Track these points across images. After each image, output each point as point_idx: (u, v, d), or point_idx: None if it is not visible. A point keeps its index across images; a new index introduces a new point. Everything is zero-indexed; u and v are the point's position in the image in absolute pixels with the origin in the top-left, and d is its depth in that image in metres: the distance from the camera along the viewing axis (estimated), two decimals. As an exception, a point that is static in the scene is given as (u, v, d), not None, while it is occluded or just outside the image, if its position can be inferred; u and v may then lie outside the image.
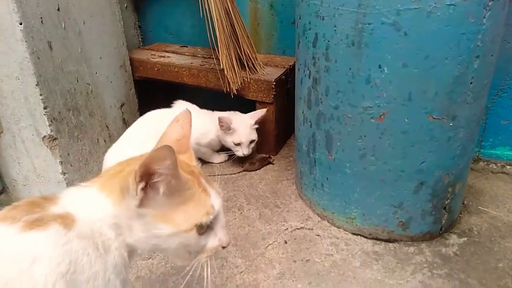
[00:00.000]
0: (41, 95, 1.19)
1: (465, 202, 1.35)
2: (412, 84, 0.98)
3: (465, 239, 1.22)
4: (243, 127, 1.53)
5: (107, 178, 0.58)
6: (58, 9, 1.24)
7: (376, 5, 0.92)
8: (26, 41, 1.12)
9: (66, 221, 0.52)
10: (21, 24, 1.10)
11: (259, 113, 1.58)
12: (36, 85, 1.18)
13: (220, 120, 1.51)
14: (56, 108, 1.26)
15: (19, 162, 1.32)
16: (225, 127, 1.52)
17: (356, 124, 1.08)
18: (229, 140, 1.54)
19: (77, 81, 1.35)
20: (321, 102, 1.14)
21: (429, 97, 0.99)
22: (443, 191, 1.14)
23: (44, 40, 1.19)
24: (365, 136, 1.08)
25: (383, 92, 1.00)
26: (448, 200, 1.17)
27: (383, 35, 0.94)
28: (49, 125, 1.23)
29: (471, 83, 0.98)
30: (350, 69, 1.02)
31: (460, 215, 1.30)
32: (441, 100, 0.99)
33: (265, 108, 1.61)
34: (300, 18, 1.14)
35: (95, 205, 0.56)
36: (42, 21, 1.17)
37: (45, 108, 1.21)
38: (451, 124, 1.03)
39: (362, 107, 1.05)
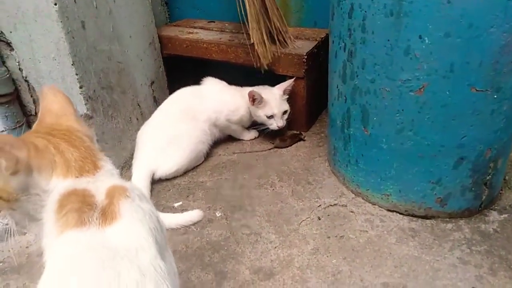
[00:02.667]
0: (76, 74, 1.22)
1: (507, 177, 1.30)
2: (455, 55, 0.93)
3: (506, 215, 1.18)
4: (273, 99, 1.51)
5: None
6: (90, -12, 1.25)
7: (418, -29, 0.87)
8: (61, 21, 1.14)
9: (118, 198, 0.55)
10: (55, 4, 1.11)
11: (287, 83, 1.56)
12: (72, 64, 1.20)
13: (250, 94, 1.49)
14: (91, 87, 1.28)
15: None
16: (256, 100, 1.50)
17: (394, 98, 1.04)
18: (262, 114, 1.53)
19: (109, 59, 1.37)
20: (357, 76, 1.10)
21: (473, 68, 0.94)
22: (484, 167, 1.10)
23: (77, 19, 1.20)
24: (403, 110, 1.05)
25: (423, 64, 0.96)
26: (489, 176, 1.13)
27: (424, 4, 0.89)
28: (85, 104, 1.26)
29: (519, 52, 0.92)
30: (388, 40, 0.98)
31: (501, 191, 1.25)
32: (485, 71, 0.94)
33: (297, 83, 1.58)
34: (334, -12, 1.10)
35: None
36: (75, 1, 1.18)
37: (80, 87, 1.24)
38: (495, 96, 0.98)
39: (400, 80, 1.01)
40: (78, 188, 0.56)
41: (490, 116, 1.00)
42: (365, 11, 0.99)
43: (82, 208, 0.53)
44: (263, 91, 1.53)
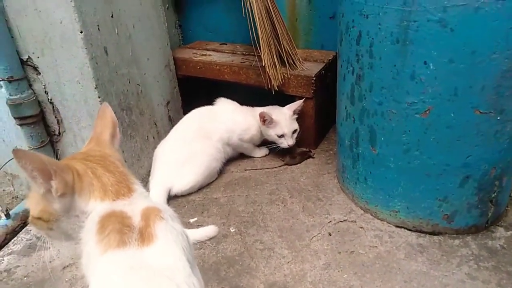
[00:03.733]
0: (99, 97, 1.29)
1: (512, 195, 1.34)
2: (458, 79, 0.98)
3: (512, 232, 1.21)
4: (283, 119, 1.58)
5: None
6: (112, 16, 1.33)
7: (422, 3, 0.93)
8: (86, 48, 1.21)
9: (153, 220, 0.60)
10: (81, 32, 1.19)
11: (297, 103, 1.63)
12: (95, 88, 1.27)
13: (261, 115, 1.56)
14: (112, 109, 1.34)
15: (79, 159, 1.43)
16: (267, 121, 1.57)
17: (400, 120, 1.10)
18: (273, 133, 1.59)
19: (129, 82, 1.44)
20: (365, 98, 1.16)
21: (476, 92, 0.99)
22: (489, 185, 1.14)
23: (100, 46, 1.28)
24: (409, 131, 1.10)
25: (428, 88, 1.01)
26: (495, 194, 1.17)
27: (429, 32, 0.95)
28: (107, 125, 1.32)
29: (519, 76, 0.98)
30: (394, 65, 1.04)
31: (507, 208, 1.29)
32: (488, 95, 0.99)
33: (306, 103, 1.64)
34: (343, 16, 1.17)
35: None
36: (98, 29, 1.26)
37: (102, 109, 1.31)
38: (498, 118, 1.02)
39: (407, 103, 1.06)
40: (116, 210, 0.61)
41: (494, 136, 1.05)
42: (373, 38, 1.06)
43: (122, 229, 0.57)
44: (274, 111, 1.59)
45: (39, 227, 0.66)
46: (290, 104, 1.63)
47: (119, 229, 0.57)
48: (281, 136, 1.59)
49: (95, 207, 0.62)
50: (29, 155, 0.57)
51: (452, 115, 1.02)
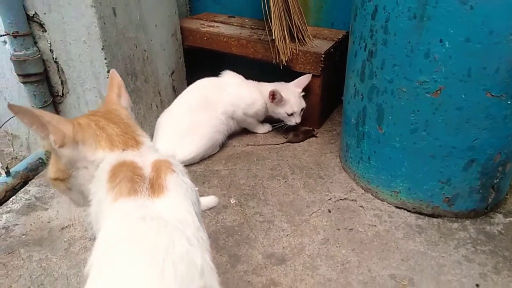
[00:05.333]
0: (105, 59, 1.26)
1: (513, 183, 1.34)
2: (473, 60, 0.97)
3: (511, 219, 1.22)
4: (293, 97, 1.57)
5: None
6: (122, -24, 1.29)
7: (444, -22, 0.91)
8: (94, 7, 1.18)
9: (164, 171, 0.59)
10: (90, -11, 1.16)
11: (304, 79, 1.61)
12: (102, 49, 1.24)
13: (271, 92, 1.54)
14: (118, 72, 1.32)
15: (81, 122, 1.41)
16: (277, 99, 1.55)
17: (410, 99, 1.09)
18: (282, 112, 1.59)
19: (136, 47, 1.42)
20: (376, 76, 1.15)
21: (489, 74, 0.98)
22: (493, 170, 1.14)
23: (109, 6, 1.25)
24: (418, 110, 1.09)
25: (441, 67, 1.00)
26: (497, 179, 1.17)
27: (447, 9, 0.93)
28: (111, 88, 1.30)
29: (535, 61, 0.97)
30: (409, 42, 1.02)
31: (506, 196, 1.29)
32: (501, 77, 0.98)
33: (313, 80, 1.62)
34: (359, -10, 1.14)
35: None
36: (108, -13, 1.23)
37: (108, 71, 1.29)
38: (509, 102, 1.02)
39: (418, 82, 1.05)
40: (127, 160, 0.60)
41: (503, 121, 1.04)
42: (389, 13, 1.04)
43: (133, 178, 0.57)
44: (283, 89, 1.58)
45: (59, 189, 0.68)
46: (297, 80, 1.62)
47: (130, 177, 0.57)
48: (291, 114, 1.58)
49: (104, 157, 0.62)
50: (23, 109, 0.58)
51: (463, 96, 1.02)
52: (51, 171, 0.66)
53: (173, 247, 0.50)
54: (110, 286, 0.47)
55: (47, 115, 0.59)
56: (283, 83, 1.65)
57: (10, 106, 0.57)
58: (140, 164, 0.60)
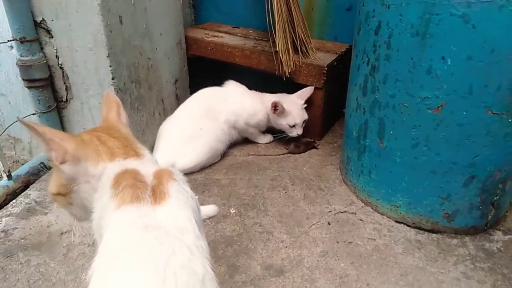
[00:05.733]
0: (110, 66, 1.27)
1: (513, 200, 1.35)
2: (475, 77, 0.98)
3: (510, 236, 1.22)
4: (295, 109, 1.58)
5: None
6: (129, -15, 1.31)
7: (447, -4, 0.92)
8: (101, 15, 1.20)
9: (166, 180, 0.60)
10: (98, -2, 1.18)
11: (307, 91, 1.62)
12: (107, 56, 1.26)
13: (273, 103, 1.55)
14: (122, 80, 1.34)
15: (84, 128, 1.42)
16: (278, 110, 1.56)
17: (411, 114, 1.09)
18: (284, 123, 1.60)
19: (141, 55, 1.43)
20: (378, 90, 1.16)
21: (491, 92, 0.99)
22: (493, 187, 1.14)
23: (116, 14, 1.26)
24: (419, 126, 1.10)
25: (443, 84, 1.01)
26: (497, 197, 1.17)
27: (450, 27, 0.95)
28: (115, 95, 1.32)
29: (536, 80, 0.98)
30: (411, 58, 1.04)
31: (506, 213, 1.29)
32: (502, 95, 0.99)
33: (315, 93, 1.63)
34: (363, 5, 1.16)
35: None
36: (116, -4, 1.25)
37: (113, 78, 1.30)
38: (510, 120, 1.02)
39: (420, 97, 1.06)
40: (129, 168, 0.61)
41: (503, 138, 1.05)
42: (392, 29, 1.05)
43: (136, 184, 0.57)
44: (286, 101, 1.59)
45: (60, 203, 0.69)
46: (300, 92, 1.63)
47: (133, 184, 0.57)
48: (293, 126, 1.59)
49: (105, 168, 0.62)
50: (28, 125, 0.59)
51: (464, 113, 1.02)
52: (52, 185, 0.67)
53: (174, 256, 0.50)
54: None
55: (50, 133, 0.61)
56: (285, 94, 1.67)
57: (21, 120, 0.60)
58: (143, 172, 0.61)
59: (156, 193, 0.58)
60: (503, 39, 0.92)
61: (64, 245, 1.17)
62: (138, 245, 0.51)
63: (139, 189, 0.57)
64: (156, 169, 0.63)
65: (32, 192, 1.38)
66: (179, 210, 0.57)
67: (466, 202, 1.16)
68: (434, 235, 1.22)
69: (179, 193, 0.59)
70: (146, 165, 0.64)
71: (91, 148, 0.64)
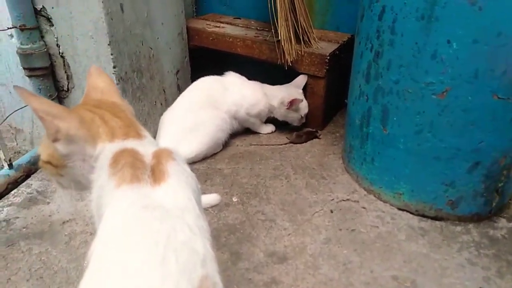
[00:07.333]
0: (111, 54, 1.26)
1: (517, 188, 1.34)
2: (480, 62, 0.97)
3: (515, 224, 1.21)
4: (303, 101, 1.63)
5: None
6: (130, -27, 1.30)
7: (452, -22, 0.91)
8: (102, 2, 1.19)
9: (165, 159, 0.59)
10: (99, -16, 1.17)
11: (301, 80, 1.66)
12: (108, 44, 1.25)
13: (294, 101, 1.58)
14: (123, 69, 1.33)
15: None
16: (293, 107, 1.61)
17: (415, 100, 1.09)
18: (295, 115, 1.65)
19: (142, 44, 1.42)
20: (381, 76, 1.15)
21: (496, 76, 0.98)
22: (497, 173, 1.14)
23: (117, 2, 1.25)
24: (423, 112, 1.09)
25: (448, 68, 1.00)
26: (502, 183, 1.16)
27: (456, 9, 0.93)
28: (117, 84, 1.31)
29: (542, 64, 0.97)
30: (416, 43, 1.02)
31: (510, 200, 1.29)
32: (508, 80, 0.98)
33: (317, 82, 1.63)
34: (367, -9, 1.15)
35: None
36: (116, -17, 1.23)
37: (114, 67, 1.29)
38: (515, 105, 1.02)
39: (424, 83, 1.05)
40: (128, 147, 0.60)
41: (509, 124, 1.04)
42: (396, 14, 1.04)
43: (135, 163, 0.56)
44: (295, 94, 1.62)
45: (49, 173, 0.66)
46: (295, 82, 1.65)
47: (132, 163, 0.56)
48: (302, 117, 1.65)
49: (104, 148, 0.61)
50: (25, 94, 0.57)
51: (469, 98, 1.01)
52: (43, 153, 0.64)
53: (174, 234, 0.50)
54: (110, 271, 0.47)
55: (43, 109, 0.58)
56: (286, 86, 1.67)
57: (16, 88, 0.58)
58: (142, 152, 0.59)
59: (156, 173, 0.56)
60: (510, 21, 0.91)
61: (66, 233, 1.17)
62: (138, 225, 0.50)
63: (138, 169, 0.56)
64: (156, 149, 0.62)
65: (33, 182, 1.37)
66: (179, 190, 0.56)
67: (470, 188, 1.15)
68: (437, 222, 1.22)
69: (179, 173, 0.58)
70: (146, 146, 0.63)
71: (90, 129, 0.62)
